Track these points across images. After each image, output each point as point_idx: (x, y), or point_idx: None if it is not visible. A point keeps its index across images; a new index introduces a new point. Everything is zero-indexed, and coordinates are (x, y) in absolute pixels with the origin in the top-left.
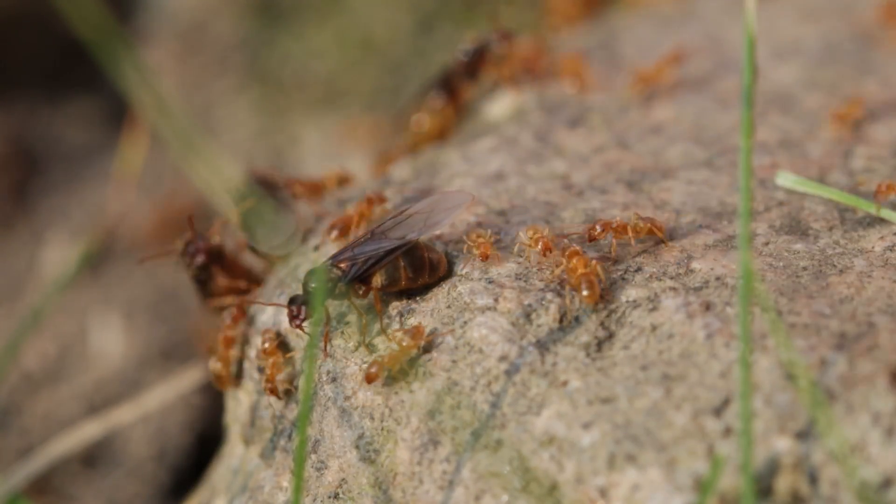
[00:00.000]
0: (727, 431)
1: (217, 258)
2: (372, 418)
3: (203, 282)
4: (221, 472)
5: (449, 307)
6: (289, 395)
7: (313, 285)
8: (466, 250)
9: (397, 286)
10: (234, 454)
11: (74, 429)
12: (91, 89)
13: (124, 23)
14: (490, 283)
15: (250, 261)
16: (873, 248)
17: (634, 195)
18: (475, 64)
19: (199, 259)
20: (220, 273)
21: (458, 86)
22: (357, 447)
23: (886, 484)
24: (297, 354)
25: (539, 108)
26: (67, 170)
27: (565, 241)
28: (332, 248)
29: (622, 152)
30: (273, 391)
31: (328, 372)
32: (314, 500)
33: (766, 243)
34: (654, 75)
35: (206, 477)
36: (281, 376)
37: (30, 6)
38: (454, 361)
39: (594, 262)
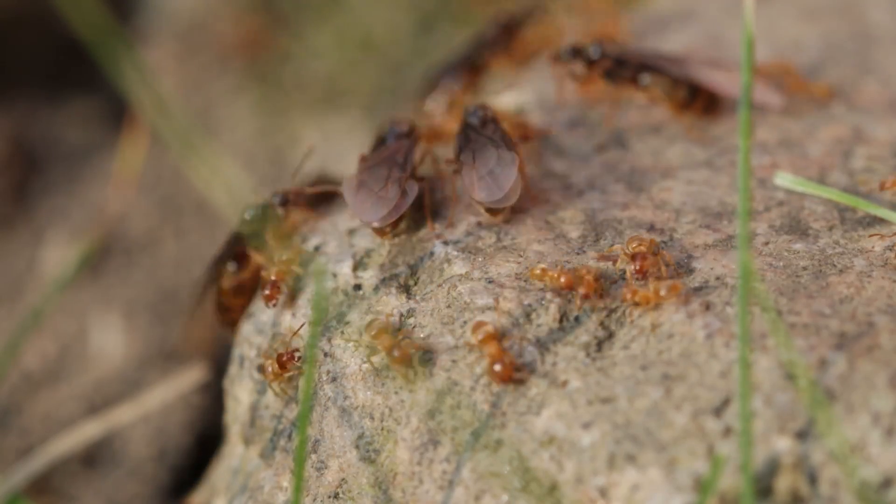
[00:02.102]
0: (727, 431)
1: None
2: (372, 418)
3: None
4: (221, 472)
5: (449, 307)
6: (299, 370)
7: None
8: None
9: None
10: (234, 454)
11: (74, 429)
12: (91, 89)
13: (124, 23)
14: (490, 282)
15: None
16: (873, 247)
17: (634, 195)
18: (503, 39)
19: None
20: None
21: (481, 63)
22: (357, 447)
23: (886, 484)
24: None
25: (539, 108)
26: (67, 170)
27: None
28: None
29: (622, 152)
30: (289, 359)
31: (328, 372)
32: (314, 500)
33: (766, 243)
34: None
35: (206, 477)
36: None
37: (30, 6)
38: (454, 361)
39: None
